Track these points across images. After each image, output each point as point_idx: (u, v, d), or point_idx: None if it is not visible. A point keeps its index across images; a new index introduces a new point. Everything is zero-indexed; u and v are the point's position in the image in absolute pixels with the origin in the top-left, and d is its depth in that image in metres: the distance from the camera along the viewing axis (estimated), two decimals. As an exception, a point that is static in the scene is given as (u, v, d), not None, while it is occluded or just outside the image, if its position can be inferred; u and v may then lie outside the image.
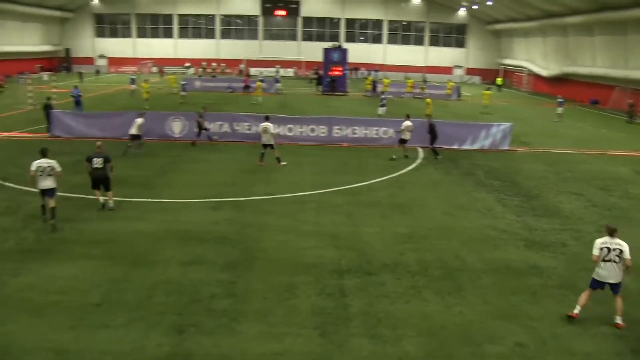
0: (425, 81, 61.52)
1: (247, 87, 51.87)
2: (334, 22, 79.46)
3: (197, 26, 79.64)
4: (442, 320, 9.64)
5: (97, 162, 14.95)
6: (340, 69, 53.39)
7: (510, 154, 25.65)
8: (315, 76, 58.85)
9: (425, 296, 10.55)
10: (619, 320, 9.55)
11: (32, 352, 8.26)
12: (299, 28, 79.59)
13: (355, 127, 26.68)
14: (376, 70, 75.40)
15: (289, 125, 26.69)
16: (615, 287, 9.52)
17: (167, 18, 78.70)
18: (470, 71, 79.75)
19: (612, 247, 9.38)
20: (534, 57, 65.96)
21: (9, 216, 14.44)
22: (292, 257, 12.24)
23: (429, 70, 78.15)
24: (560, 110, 39.55)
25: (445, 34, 79.79)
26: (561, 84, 58.65)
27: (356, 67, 75.56)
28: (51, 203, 13.58)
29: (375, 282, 11.08)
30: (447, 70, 78.62)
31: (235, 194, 17.24)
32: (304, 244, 13.12)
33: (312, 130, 26.70)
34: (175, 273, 11.19)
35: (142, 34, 79.27)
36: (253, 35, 79.73)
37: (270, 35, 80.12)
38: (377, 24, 79.48)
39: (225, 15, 78.98)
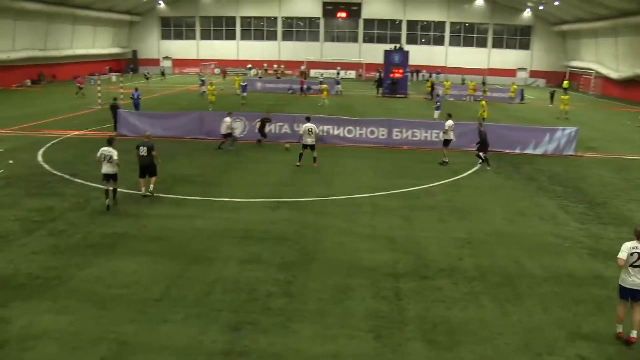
0: (484, 83, 60.13)
1: (302, 88, 52.17)
2: (395, 24, 78.92)
3: (259, 28, 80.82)
4: (500, 327, 9.42)
5: (143, 151, 16.26)
6: (401, 71, 52.93)
7: (576, 159, 24.81)
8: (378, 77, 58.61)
9: (483, 302, 10.34)
10: (634, 333, 8.86)
11: (98, 342, 8.58)
12: (360, 30, 79.50)
13: (415, 130, 26.46)
14: (438, 73, 74.44)
15: (349, 127, 26.70)
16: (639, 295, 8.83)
17: (230, 20, 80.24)
18: (534, 74, 77.51)
19: None
20: (603, 59, 63.48)
21: (77, 211, 15.07)
22: (349, 259, 12.25)
23: (491, 73, 76.51)
24: None
25: (509, 36, 77.89)
26: (633, 87, 56.24)
27: (417, 69, 74.80)
28: (111, 186, 15.35)
29: (432, 287, 10.94)
30: (510, 72, 76.72)
31: (293, 194, 17.40)
32: (360, 246, 13.10)
33: (372, 132, 26.63)
34: (232, 271, 11.40)
35: (205, 36, 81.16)
36: (314, 37, 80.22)
37: (331, 37, 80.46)
38: (439, 25, 78.44)
39: (287, 17, 79.81)
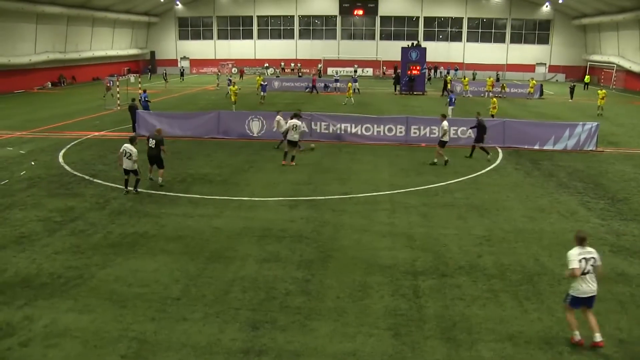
0: (498, 79, 59.44)
1: (314, 87, 52.01)
2: (412, 21, 78.53)
3: (276, 27, 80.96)
4: (520, 325, 9.34)
5: (151, 143, 17.77)
6: (419, 68, 52.59)
7: (596, 154, 24.48)
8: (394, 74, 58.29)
9: (502, 300, 10.26)
10: (598, 338, 8.60)
11: (119, 339, 8.69)
12: (377, 27, 79.25)
13: (434, 127, 26.22)
14: (456, 69, 73.96)
15: (367, 125, 26.65)
16: (592, 301, 8.73)
17: (247, 19, 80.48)
18: (554, 69, 76.59)
19: (587, 257, 8.59)
20: (625, 52, 62.47)
21: (97, 211, 15.25)
22: (367, 257, 12.23)
23: (510, 69, 75.82)
24: None
25: (528, 31, 77.04)
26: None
27: (436, 66, 74.37)
28: (131, 178, 16.88)
29: (451, 285, 10.89)
30: (529, 68, 75.86)
31: (311, 192, 17.42)
32: (378, 244, 13.08)
33: (390, 129, 26.54)
34: (251, 270, 11.45)
35: (222, 35, 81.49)
36: (331, 35, 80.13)
37: (348, 35, 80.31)
38: (457, 21, 77.88)
39: (304, 16, 79.81)
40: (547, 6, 73.68)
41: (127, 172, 16.69)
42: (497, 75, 69.61)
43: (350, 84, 44.91)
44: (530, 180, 19.57)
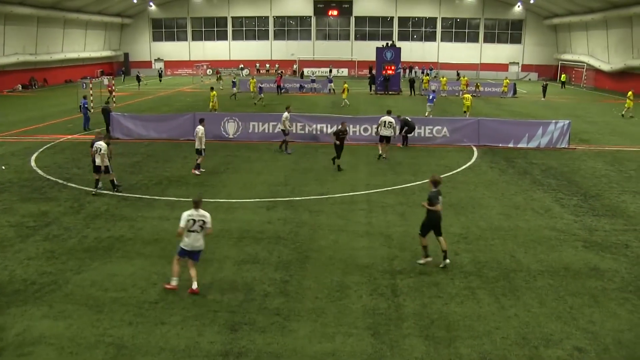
0: (458, 78, 60.05)
1: (279, 87, 51.23)
2: (387, 21, 79.01)
3: (250, 28, 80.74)
4: (497, 321, 9.45)
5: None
6: (394, 67, 52.95)
7: (569, 152, 24.88)
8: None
9: (480, 297, 10.37)
10: (195, 285, 10.31)
11: (96, 345, 8.57)
12: (352, 27, 79.51)
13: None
14: (430, 69, 74.50)
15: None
16: (197, 255, 10.52)
17: (221, 20, 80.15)
18: (527, 68, 77.72)
19: (197, 219, 10.22)
20: (595, 51, 63.69)
21: (72, 215, 15.03)
22: (345, 257, 12.26)
23: (484, 68, 76.73)
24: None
25: (501, 30, 78.10)
26: (625, 79, 56.42)
27: (411, 65, 74.82)
28: (102, 177, 17.12)
29: (429, 283, 10.97)
30: (502, 67, 76.86)
31: (289, 193, 17.40)
32: (356, 244, 13.12)
33: (365, 129, 26.60)
34: (229, 272, 11.40)
35: (197, 37, 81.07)
36: (306, 36, 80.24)
37: (323, 36, 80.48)
38: (431, 21, 78.58)
39: (278, 16, 79.77)
40: (519, 6, 74.71)
41: (95, 167, 16.94)
42: (459, 74, 70.28)
43: (345, 85, 42.96)
44: (505, 178, 19.81)
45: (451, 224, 14.53)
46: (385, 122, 22.65)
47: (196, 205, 10.35)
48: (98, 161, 16.65)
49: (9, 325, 9.14)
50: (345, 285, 10.79)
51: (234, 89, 46.47)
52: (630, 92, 38.83)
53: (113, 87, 44.53)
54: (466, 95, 35.99)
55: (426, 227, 11.86)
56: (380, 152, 22.72)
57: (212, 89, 36.43)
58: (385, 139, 22.78)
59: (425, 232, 11.84)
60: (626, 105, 37.69)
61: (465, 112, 33.55)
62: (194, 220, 10.22)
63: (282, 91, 51.25)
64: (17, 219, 14.68)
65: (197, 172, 19.72)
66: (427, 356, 8.42)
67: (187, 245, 10.32)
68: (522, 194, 17.69)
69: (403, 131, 25.29)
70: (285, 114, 23.86)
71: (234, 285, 10.75)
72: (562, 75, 64.43)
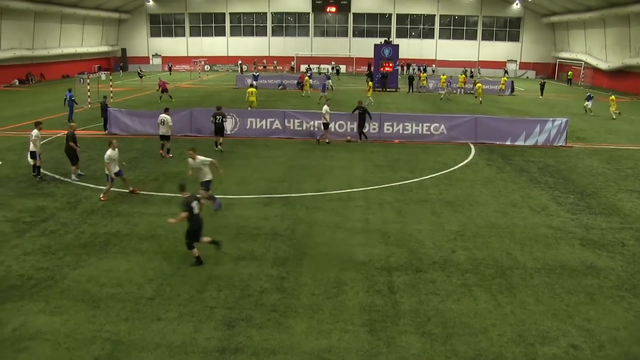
0: (472, 76, 60.35)
1: (299, 83, 51.44)
2: (385, 18, 78.92)
3: (248, 24, 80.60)
4: (493, 319, 9.47)
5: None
6: (391, 64, 52.93)
7: (566, 150, 24.92)
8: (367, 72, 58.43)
9: (476, 294, 10.38)
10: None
11: (92, 341, 8.57)
12: (350, 24, 79.43)
13: (407, 124, 26.44)
14: (425, 66, 74.45)
15: (340, 122, 26.69)
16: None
17: (219, 16, 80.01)
18: (524, 65, 77.78)
19: None
20: (592, 50, 63.77)
21: (69, 211, 15.01)
22: (342, 254, 12.26)
23: (482, 65, 76.79)
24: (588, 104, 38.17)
25: (499, 28, 78.08)
26: (622, 77, 56.49)
27: (408, 62, 74.81)
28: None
29: (425, 280, 10.98)
30: (500, 64, 76.93)
31: (285, 190, 17.39)
32: (353, 240, 13.12)
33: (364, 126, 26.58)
34: (226, 268, 11.39)
35: (194, 32, 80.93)
36: (304, 32, 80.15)
37: (321, 32, 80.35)
38: (429, 18, 78.52)
39: (276, 13, 79.67)
40: (517, 4, 74.74)
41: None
42: (471, 71, 70.39)
43: (370, 82, 42.86)
44: (502, 176, 19.83)
45: (448, 221, 14.57)
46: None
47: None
48: (31, 147, 17.91)
49: (5, 320, 9.13)
50: (342, 282, 10.80)
51: (255, 83, 45.95)
52: (612, 97, 37.99)
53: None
54: (479, 84, 44.22)
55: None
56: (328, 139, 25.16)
57: (251, 85, 37.82)
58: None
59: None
60: (612, 110, 36.98)
61: (476, 97, 43.10)
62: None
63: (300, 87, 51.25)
64: (13, 214, 14.65)
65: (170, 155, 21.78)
66: (423, 353, 8.43)
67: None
68: (519, 192, 17.71)
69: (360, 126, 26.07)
70: (325, 107, 25.06)
71: (230, 281, 10.75)
72: (569, 72, 64.43)
